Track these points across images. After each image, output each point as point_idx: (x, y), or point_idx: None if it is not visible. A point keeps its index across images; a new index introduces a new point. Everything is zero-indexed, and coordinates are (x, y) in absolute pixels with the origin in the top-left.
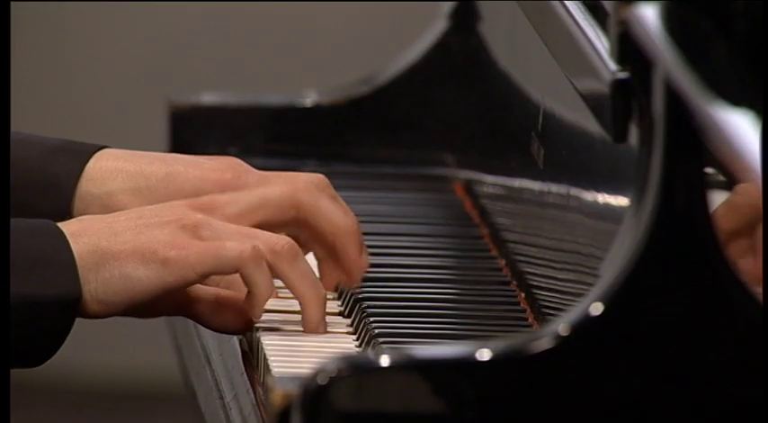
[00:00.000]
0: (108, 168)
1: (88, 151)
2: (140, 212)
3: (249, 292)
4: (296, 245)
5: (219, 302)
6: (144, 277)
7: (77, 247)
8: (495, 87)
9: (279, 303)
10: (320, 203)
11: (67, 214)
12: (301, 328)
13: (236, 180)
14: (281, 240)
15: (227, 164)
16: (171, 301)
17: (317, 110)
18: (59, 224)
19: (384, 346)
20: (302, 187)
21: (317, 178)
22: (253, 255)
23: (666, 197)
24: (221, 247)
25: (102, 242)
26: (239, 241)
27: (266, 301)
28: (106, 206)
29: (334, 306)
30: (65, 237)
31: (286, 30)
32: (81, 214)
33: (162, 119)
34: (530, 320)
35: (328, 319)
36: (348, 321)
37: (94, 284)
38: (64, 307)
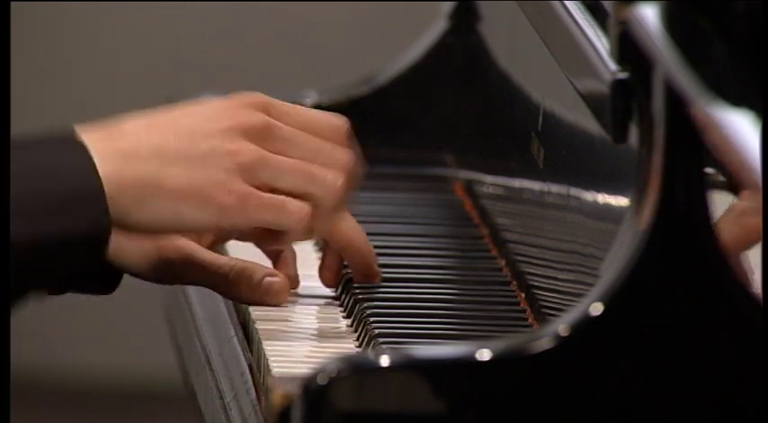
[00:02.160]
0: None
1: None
2: (191, 130)
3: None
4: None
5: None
6: (198, 220)
7: (120, 174)
8: (495, 87)
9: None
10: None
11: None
12: (301, 329)
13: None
14: (335, 182)
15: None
16: (199, 268)
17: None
18: (99, 136)
19: (384, 346)
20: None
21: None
22: (306, 218)
23: (666, 197)
24: (281, 207)
25: (153, 176)
26: (299, 202)
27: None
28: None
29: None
30: (92, 162)
31: (286, 30)
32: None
33: None
34: (530, 320)
35: (328, 319)
36: (348, 321)
37: (137, 215)
38: (92, 243)
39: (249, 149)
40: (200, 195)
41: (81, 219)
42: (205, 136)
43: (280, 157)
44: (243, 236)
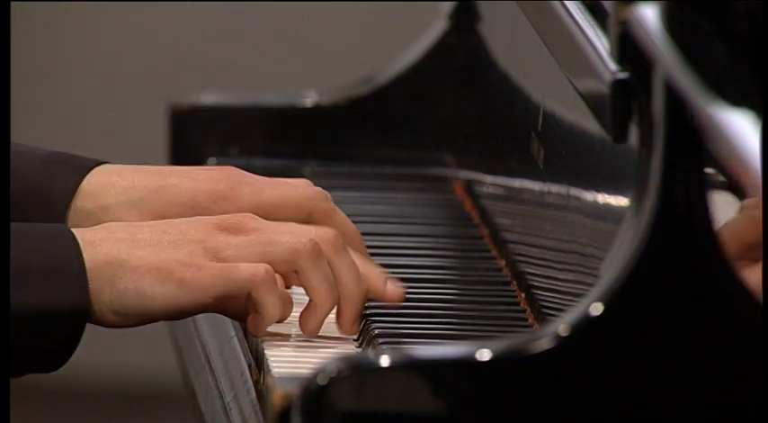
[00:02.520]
0: (101, 183)
1: (84, 166)
2: (166, 227)
3: (257, 312)
4: (318, 245)
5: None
6: (158, 295)
7: (95, 256)
8: (495, 87)
9: None
10: (340, 263)
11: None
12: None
13: (229, 191)
14: (298, 242)
15: (222, 174)
16: (190, 314)
17: (316, 110)
18: (83, 230)
19: (384, 346)
20: (329, 239)
21: (331, 236)
22: (265, 278)
23: (666, 197)
24: (234, 270)
25: (122, 254)
26: (252, 263)
27: (274, 321)
28: (100, 221)
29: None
30: (78, 245)
31: (286, 30)
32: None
33: (162, 119)
34: (530, 320)
35: (329, 319)
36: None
37: (109, 296)
38: (71, 317)
39: (216, 237)
40: (161, 271)
41: (62, 293)
42: (178, 230)
43: (243, 236)
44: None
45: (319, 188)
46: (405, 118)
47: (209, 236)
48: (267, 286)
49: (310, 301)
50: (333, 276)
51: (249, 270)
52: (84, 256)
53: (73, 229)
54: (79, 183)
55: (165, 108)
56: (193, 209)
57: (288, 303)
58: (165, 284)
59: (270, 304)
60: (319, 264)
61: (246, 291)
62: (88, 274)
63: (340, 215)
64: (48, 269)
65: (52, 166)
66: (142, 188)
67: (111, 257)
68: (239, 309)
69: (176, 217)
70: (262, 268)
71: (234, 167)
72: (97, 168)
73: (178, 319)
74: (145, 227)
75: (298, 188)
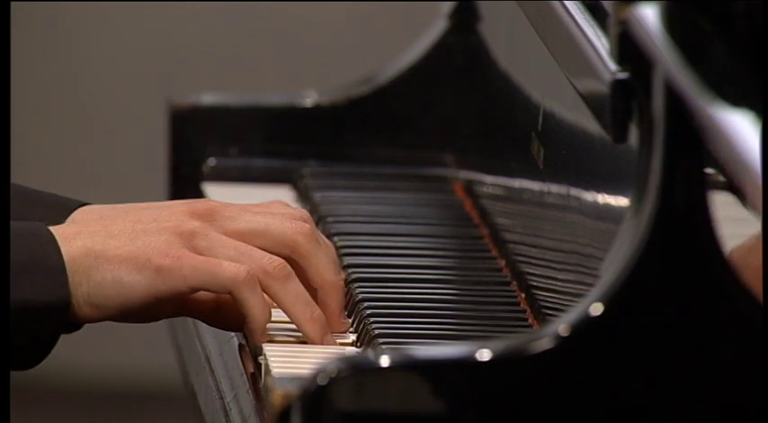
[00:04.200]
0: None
1: (70, 207)
2: (138, 215)
3: (246, 317)
4: (287, 266)
5: (219, 303)
6: (136, 283)
7: (70, 249)
8: (495, 87)
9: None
10: (316, 252)
11: None
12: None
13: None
14: (274, 261)
15: (202, 206)
16: (167, 306)
17: (316, 110)
18: (56, 227)
19: (384, 346)
20: (304, 231)
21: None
22: (247, 279)
23: (666, 197)
24: (217, 266)
25: (97, 246)
26: (235, 263)
27: (264, 324)
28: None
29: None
30: (55, 241)
31: (286, 30)
32: None
33: (162, 119)
34: (530, 320)
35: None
36: (348, 321)
37: (86, 288)
38: (52, 312)
39: (191, 222)
40: (138, 259)
41: (42, 288)
42: (151, 218)
43: (221, 236)
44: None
45: (300, 216)
46: (405, 118)
47: (182, 222)
48: (249, 287)
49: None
50: (304, 295)
51: (232, 269)
52: (63, 250)
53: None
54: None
55: (165, 108)
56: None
57: (268, 306)
58: (143, 272)
59: (255, 305)
60: (287, 285)
61: (227, 289)
62: (66, 268)
63: (319, 261)
64: (26, 265)
65: (40, 206)
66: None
67: (87, 249)
68: (214, 312)
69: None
70: (244, 269)
71: (211, 200)
72: (80, 209)
73: (154, 313)
74: (117, 218)
75: (277, 221)
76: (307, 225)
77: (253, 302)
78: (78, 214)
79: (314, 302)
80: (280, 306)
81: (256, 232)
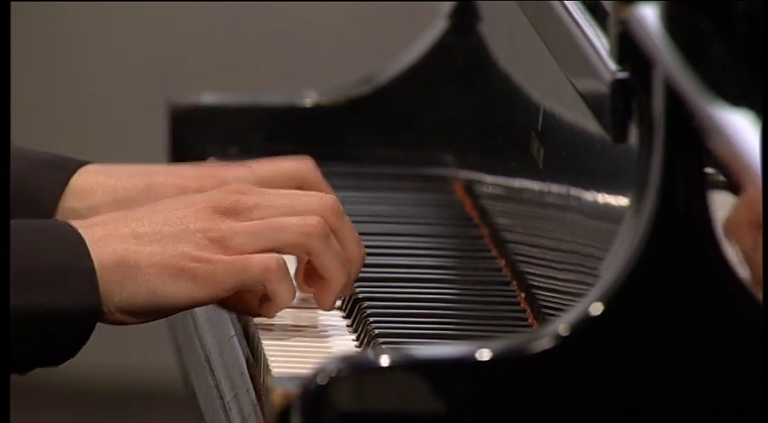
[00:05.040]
0: (88, 183)
1: (71, 167)
2: (165, 217)
3: (270, 300)
4: (326, 225)
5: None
6: (171, 294)
7: (101, 258)
8: (495, 87)
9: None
10: (342, 227)
11: None
12: (301, 328)
13: (216, 188)
14: (307, 224)
15: (208, 173)
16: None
17: (317, 110)
18: (79, 224)
19: (384, 346)
20: (330, 205)
21: (331, 203)
22: (277, 269)
23: (666, 197)
24: (248, 263)
25: (129, 254)
26: (264, 254)
27: (284, 307)
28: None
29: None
30: (85, 244)
31: (286, 30)
32: None
33: (162, 119)
34: (530, 320)
35: (328, 318)
36: (348, 321)
37: (119, 298)
38: (83, 318)
39: (219, 223)
40: (172, 269)
41: (72, 295)
42: (178, 219)
43: (248, 223)
44: (236, 307)
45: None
46: (405, 118)
47: (211, 223)
48: (280, 276)
49: (323, 279)
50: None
51: (262, 263)
52: (92, 254)
53: (73, 223)
54: (67, 182)
55: (165, 108)
56: None
57: (294, 292)
58: (178, 282)
59: (283, 294)
60: (330, 243)
61: (261, 283)
62: (97, 276)
63: (345, 227)
64: (56, 269)
65: (40, 166)
66: (130, 187)
67: (119, 258)
68: (248, 303)
69: None
70: (273, 260)
71: (231, 185)
72: (84, 168)
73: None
74: (144, 219)
75: (303, 200)
76: (330, 198)
77: (281, 291)
78: (100, 219)
79: (346, 266)
80: (317, 263)
81: (276, 228)
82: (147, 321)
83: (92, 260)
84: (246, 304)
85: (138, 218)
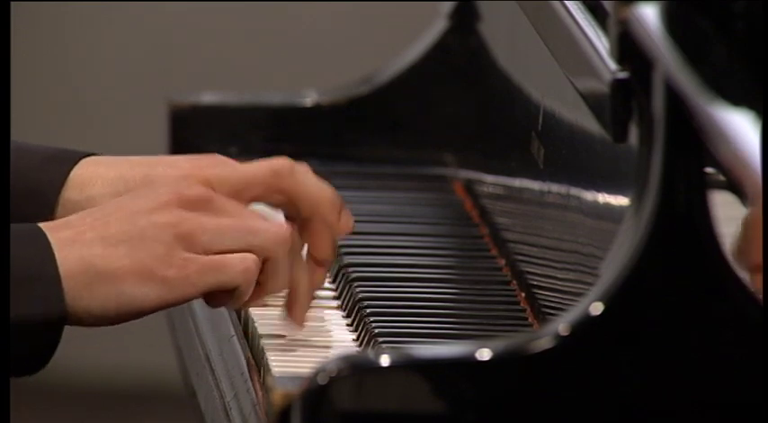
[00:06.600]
0: (88, 174)
1: (73, 159)
2: (131, 216)
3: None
4: (294, 232)
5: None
6: (143, 296)
7: (68, 262)
8: (495, 87)
9: (278, 302)
10: (302, 179)
11: (51, 220)
12: (301, 328)
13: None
14: (280, 230)
15: (207, 162)
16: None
17: (316, 110)
18: (46, 226)
19: (384, 346)
20: (280, 167)
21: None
22: (255, 272)
23: (666, 197)
24: (223, 264)
25: (96, 259)
26: (240, 254)
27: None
28: None
29: (329, 294)
30: (51, 250)
31: (286, 30)
32: None
33: (162, 119)
34: (530, 320)
35: (328, 319)
36: (348, 321)
37: (87, 301)
38: (49, 326)
39: (187, 219)
40: (141, 273)
41: (38, 302)
42: (143, 214)
43: (218, 220)
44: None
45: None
46: (405, 118)
47: (177, 218)
48: (254, 277)
49: (290, 292)
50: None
51: (238, 265)
52: (58, 260)
53: (42, 226)
54: (68, 174)
55: (165, 108)
56: None
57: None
58: (148, 285)
59: (247, 293)
60: (296, 250)
61: (237, 284)
62: (63, 283)
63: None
64: (23, 276)
65: (41, 159)
66: (129, 179)
67: (86, 264)
68: (218, 297)
69: None
70: (251, 262)
71: (218, 155)
72: (85, 159)
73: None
74: (111, 218)
75: (254, 167)
76: (281, 160)
77: (249, 291)
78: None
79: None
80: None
81: (243, 186)
82: (121, 323)
83: (57, 266)
84: (216, 299)
85: (105, 220)
